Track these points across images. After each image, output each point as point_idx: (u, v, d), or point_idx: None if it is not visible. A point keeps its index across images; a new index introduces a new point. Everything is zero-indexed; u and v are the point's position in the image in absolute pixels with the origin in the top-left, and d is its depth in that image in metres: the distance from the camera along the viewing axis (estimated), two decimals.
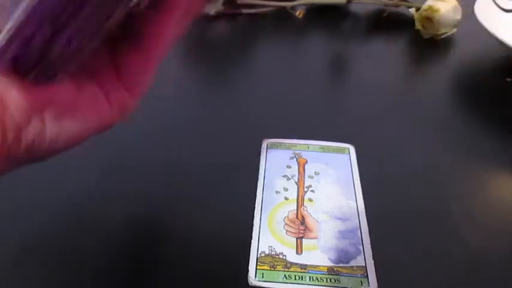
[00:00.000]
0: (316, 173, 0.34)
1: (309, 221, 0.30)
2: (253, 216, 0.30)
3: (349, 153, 0.36)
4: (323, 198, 0.32)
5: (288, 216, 0.31)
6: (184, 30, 0.22)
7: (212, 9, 0.55)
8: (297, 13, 0.55)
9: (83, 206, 0.31)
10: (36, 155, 0.19)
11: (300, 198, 0.32)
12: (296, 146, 0.36)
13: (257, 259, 0.28)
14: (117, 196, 0.31)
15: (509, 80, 0.46)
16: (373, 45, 0.53)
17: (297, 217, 0.30)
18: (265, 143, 0.36)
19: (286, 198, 0.32)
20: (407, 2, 0.57)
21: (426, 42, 0.53)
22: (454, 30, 0.52)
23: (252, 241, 0.29)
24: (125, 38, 0.22)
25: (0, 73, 0.18)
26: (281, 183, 0.33)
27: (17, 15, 0.16)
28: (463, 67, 0.49)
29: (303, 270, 0.27)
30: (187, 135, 0.37)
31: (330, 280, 0.27)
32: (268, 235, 0.29)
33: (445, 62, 0.51)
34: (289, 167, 0.34)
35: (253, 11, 0.57)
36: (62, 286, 0.26)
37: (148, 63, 0.22)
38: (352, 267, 0.27)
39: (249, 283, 0.27)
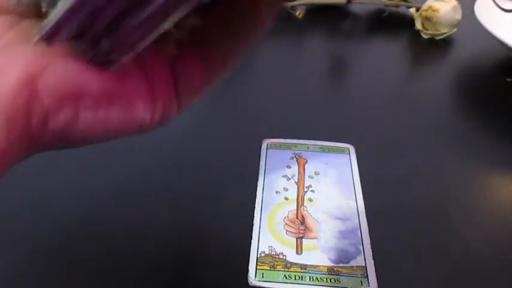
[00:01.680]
0: (316, 173, 0.34)
1: (309, 221, 0.30)
2: (253, 216, 0.30)
3: (349, 153, 0.36)
4: (323, 198, 0.32)
5: (288, 216, 0.31)
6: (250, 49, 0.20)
7: None
8: (297, 13, 0.55)
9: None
10: (67, 143, 0.18)
11: (300, 198, 0.32)
12: (296, 146, 0.36)
13: (257, 259, 0.28)
14: (119, 196, 0.31)
15: (509, 80, 0.46)
16: (373, 45, 0.53)
17: (297, 217, 0.30)
18: (265, 143, 0.36)
19: (286, 198, 0.32)
20: (407, 2, 0.57)
21: (426, 42, 0.53)
22: (454, 30, 0.52)
23: (252, 241, 0.29)
24: (193, 46, 0.20)
25: (50, 52, 0.16)
26: (281, 183, 0.33)
27: None
28: (463, 67, 0.49)
29: (303, 270, 0.27)
30: (187, 135, 0.37)
31: (330, 280, 0.27)
32: (268, 235, 0.29)
33: (445, 62, 0.51)
34: (289, 167, 0.34)
35: None
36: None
37: (211, 80, 0.21)
38: (352, 267, 0.27)
39: (249, 283, 0.27)
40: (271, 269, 0.27)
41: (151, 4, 0.15)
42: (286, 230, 0.30)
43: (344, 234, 0.29)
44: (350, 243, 0.29)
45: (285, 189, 0.32)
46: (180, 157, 0.35)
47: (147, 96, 0.20)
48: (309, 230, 0.30)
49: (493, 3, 0.49)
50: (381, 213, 0.31)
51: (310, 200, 0.32)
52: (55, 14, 0.16)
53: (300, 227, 0.30)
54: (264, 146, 0.36)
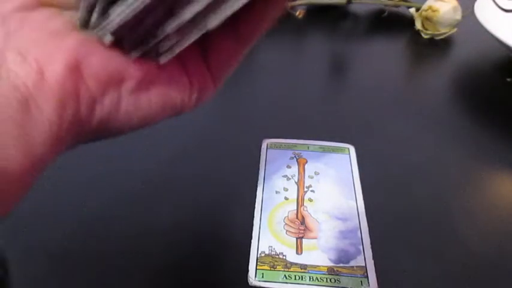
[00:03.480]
0: (316, 173, 0.34)
1: (309, 221, 0.30)
2: (253, 216, 0.30)
3: (349, 153, 0.36)
4: (323, 198, 0.32)
5: (288, 216, 0.31)
6: (278, 16, 0.21)
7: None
8: (297, 13, 0.55)
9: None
10: (109, 130, 0.18)
11: (300, 198, 0.32)
12: (296, 146, 0.36)
13: (257, 259, 0.28)
14: (117, 195, 0.32)
15: (509, 80, 0.46)
16: (373, 45, 0.53)
17: (297, 217, 0.31)
18: (265, 143, 0.36)
19: (286, 198, 0.32)
20: (407, 2, 0.57)
21: (426, 42, 0.53)
22: (454, 30, 0.52)
23: (252, 241, 0.29)
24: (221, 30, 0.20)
25: (93, 41, 0.17)
26: (281, 183, 0.33)
27: None
28: (463, 67, 0.49)
29: (303, 270, 0.27)
30: (187, 135, 0.37)
31: (330, 280, 0.27)
32: (268, 235, 0.29)
33: (445, 62, 0.51)
34: (289, 167, 0.34)
35: None
36: None
37: (240, 50, 0.21)
38: (352, 267, 0.27)
39: (249, 283, 0.27)
40: (271, 269, 0.27)
41: (196, 4, 0.16)
42: (286, 230, 0.30)
43: (344, 234, 0.29)
44: (350, 243, 0.29)
45: (285, 189, 0.32)
46: (180, 157, 0.35)
47: (183, 77, 0.20)
48: (309, 230, 0.30)
49: (493, 3, 0.49)
50: (380, 213, 0.31)
51: (310, 200, 0.32)
52: (119, 15, 0.16)
53: (300, 227, 0.30)
54: (264, 146, 0.36)
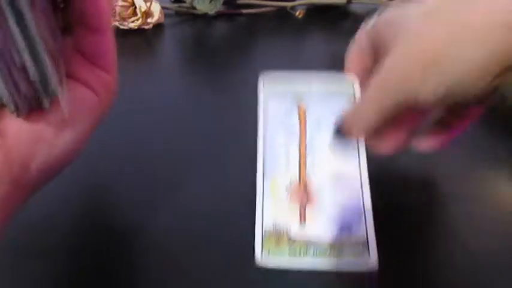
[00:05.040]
0: (318, 122, 0.32)
1: (311, 188, 0.30)
2: (255, 187, 0.30)
3: (353, 89, 0.32)
4: (326, 159, 0.31)
5: (290, 184, 0.30)
6: None
7: (212, 9, 0.55)
8: (297, 13, 0.55)
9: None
10: (53, 172, 0.22)
11: (302, 160, 0.31)
12: (296, 86, 0.33)
13: (262, 238, 0.28)
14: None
15: None
16: None
17: (299, 183, 0.30)
18: (261, 80, 0.33)
19: (287, 161, 0.31)
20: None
21: None
22: None
23: (256, 219, 0.29)
24: (74, 25, 0.22)
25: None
26: (282, 140, 0.31)
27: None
28: None
29: (306, 245, 0.28)
30: (186, 128, 0.37)
31: (332, 252, 0.28)
32: (272, 208, 0.29)
33: None
34: (288, 116, 0.32)
35: (253, 11, 0.57)
36: None
37: (105, 36, 0.23)
38: (354, 236, 0.28)
39: (256, 263, 0.27)
40: (276, 245, 0.28)
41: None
42: (289, 201, 0.29)
43: (346, 200, 0.29)
44: (350, 209, 0.29)
45: (286, 148, 0.31)
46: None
47: (86, 88, 0.23)
48: (311, 199, 0.30)
49: None
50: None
51: (312, 163, 0.31)
52: None
53: (303, 197, 0.30)
54: (261, 83, 0.33)
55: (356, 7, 0.59)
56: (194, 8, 0.56)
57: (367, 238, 0.28)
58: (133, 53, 0.51)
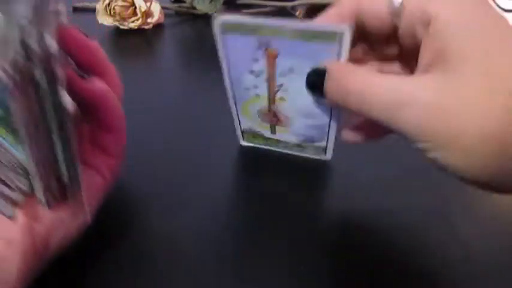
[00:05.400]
0: (290, 70, 0.27)
1: (281, 116, 0.31)
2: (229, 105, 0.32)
3: (341, 39, 0.24)
4: (296, 97, 0.28)
5: (260, 109, 0.32)
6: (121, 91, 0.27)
7: (212, 9, 0.55)
8: (297, 13, 0.55)
9: None
10: (64, 248, 0.25)
11: (271, 97, 0.29)
12: (262, 29, 0.25)
13: (242, 132, 0.34)
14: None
15: None
16: None
17: (268, 111, 0.31)
18: (217, 25, 0.26)
19: (257, 95, 0.30)
20: None
21: None
22: None
23: (234, 122, 0.33)
24: (90, 123, 0.26)
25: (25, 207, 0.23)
26: (249, 80, 0.29)
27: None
28: None
29: (277, 143, 0.34)
30: (185, 128, 0.37)
31: (297, 148, 0.34)
32: (246, 120, 0.33)
33: None
34: (255, 60, 0.27)
35: (253, 11, 0.57)
36: None
37: (118, 135, 0.27)
38: (315, 145, 0.33)
39: (240, 143, 0.35)
40: (253, 138, 0.35)
41: None
42: (261, 119, 0.32)
43: (314, 127, 0.31)
44: (317, 132, 0.31)
45: (255, 87, 0.29)
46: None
47: (96, 173, 0.26)
48: (280, 122, 0.32)
49: (493, 3, 0.49)
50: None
51: (282, 99, 0.29)
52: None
53: (273, 119, 0.32)
54: (216, 29, 0.27)
55: None
56: (194, 8, 0.56)
57: (327, 144, 0.32)
58: (133, 53, 0.51)
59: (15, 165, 0.22)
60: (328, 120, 0.30)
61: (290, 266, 0.28)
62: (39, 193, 0.23)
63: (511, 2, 0.49)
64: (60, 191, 0.23)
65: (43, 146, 0.21)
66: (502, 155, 0.18)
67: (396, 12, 0.21)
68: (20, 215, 0.22)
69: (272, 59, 0.27)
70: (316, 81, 0.25)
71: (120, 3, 0.52)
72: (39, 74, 0.20)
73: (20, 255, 0.22)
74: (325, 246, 0.29)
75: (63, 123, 0.21)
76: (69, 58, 0.24)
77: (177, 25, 0.56)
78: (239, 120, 0.33)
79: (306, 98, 0.28)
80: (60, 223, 0.24)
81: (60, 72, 0.20)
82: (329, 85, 0.23)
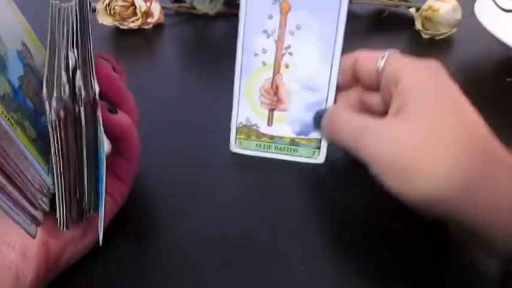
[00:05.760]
0: (298, 27, 0.31)
1: (282, 92, 0.33)
2: (233, 85, 0.33)
3: None
4: (300, 63, 0.32)
5: (263, 85, 0.33)
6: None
7: (212, 9, 0.55)
8: None
9: None
10: (72, 264, 0.27)
11: (277, 64, 0.32)
12: None
13: (237, 129, 0.34)
14: None
15: (509, 80, 0.46)
16: (373, 45, 0.53)
17: (271, 86, 0.33)
18: None
19: (264, 64, 0.32)
20: (407, 2, 0.57)
21: (426, 42, 0.53)
22: (454, 30, 0.52)
23: (233, 112, 0.34)
24: (111, 151, 0.28)
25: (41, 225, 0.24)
26: (260, 42, 0.32)
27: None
28: (463, 67, 0.49)
29: (270, 141, 0.34)
30: (185, 128, 0.37)
31: (290, 150, 0.34)
32: (246, 105, 0.33)
33: (445, 62, 0.50)
34: (270, 17, 0.31)
35: None
36: None
37: (133, 163, 0.29)
38: (310, 139, 0.34)
39: (231, 150, 0.35)
40: (247, 138, 0.34)
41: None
42: (261, 102, 0.33)
43: (311, 107, 0.33)
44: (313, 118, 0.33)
45: (264, 51, 0.32)
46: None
47: (109, 197, 0.28)
48: (281, 102, 0.33)
49: (493, 3, 0.49)
50: None
51: (286, 66, 0.32)
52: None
53: (274, 99, 0.33)
54: None
55: (356, 7, 0.59)
56: (194, 8, 0.56)
57: (320, 141, 0.33)
58: (133, 53, 0.51)
59: (43, 186, 0.23)
60: (326, 92, 0.32)
61: (291, 266, 0.28)
62: (61, 215, 0.24)
63: (511, 2, 0.49)
64: (78, 214, 0.25)
65: (72, 174, 0.23)
66: (435, 188, 0.23)
67: (380, 72, 0.28)
68: (38, 232, 0.23)
69: (285, 13, 0.31)
70: (317, 121, 0.32)
71: (120, 3, 0.52)
72: (80, 113, 0.22)
73: (33, 269, 0.23)
74: (325, 246, 0.29)
75: (93, 157, 0.24)
76: None
77: (177, 25, 0.56)
78: (238, 110, 0.33)
79: (308, 64, 0.32)
80: (71, 241, 0.26)
81: (99, 112, 0.23)
82: (322, 122, 0.31)
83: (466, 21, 0.51)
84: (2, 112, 0.20)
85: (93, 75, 0.23)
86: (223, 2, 0.56)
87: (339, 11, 0.31)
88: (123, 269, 0.27)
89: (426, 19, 0.52)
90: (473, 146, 0.23)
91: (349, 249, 0.29)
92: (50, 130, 0.21)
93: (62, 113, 0.21)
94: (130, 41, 0.53)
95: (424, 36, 0.53)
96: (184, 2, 0.58)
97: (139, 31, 0.53)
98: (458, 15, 0.51)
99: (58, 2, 0.27)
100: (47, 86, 0.21)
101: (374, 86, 0.29)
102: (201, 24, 0.56)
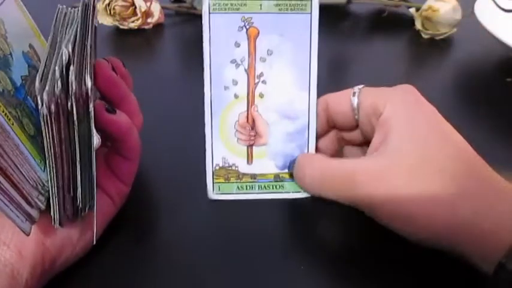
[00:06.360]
0: (269, 52, 0.29)
1: (259, 124, 0.30)
2: (204, 123, 0.29)
3: (311, 10, 0.29)
4: (275, 91, 0.29)
5: (238, 120, 0.29)
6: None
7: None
8: None
9: None
10: (68, 266, 0.26)
11: (250, 95, 0.29)
12: (246, 5, 0.28)
13: (213, 173, 0.30)
14: None
15: (509, 80, 0.46)
16: (373, 45, 0.53)
17: (247, 120, 0.30)
18: (206, 1, 0.28)
19: (236, 96, 0.29)
20: (407, 2, 0.57)
21: (426, 42, 0.53)
22: (454, 30, 0.52)
23: (207, 154, 0.29)
24: (108, 147, 0.28)
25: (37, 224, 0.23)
26: (230, 73, 0.29)
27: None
28: (463, 67, 0.49)
29: (253, 180, 0.30)
30: (185, 127, 0.37)
31: (275, 187, 0.30)
32: (221, 145, 0.30)
33: (445, 62, 0.51)
34: (238, 45, 0.29)
35: None
36: None
37: (134, 163, 0.29)
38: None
39: (209, 197, 0.30)
40: (226, 181, 0.30)
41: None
42: (238, 138, 0.30)
43: (292, 137, 0.30)
44: (297, 145, 0.30)
45: (235, 83, 0.29)
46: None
47: (106, 195, 0.28)
48: (259, 136, 0.30)
49: (493, 3, 0.49)
50: None
51: (261, 95, 0.29)
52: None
53: (251, 133, 0.30)
54: (205, 8, 0.28)
55: (356, 7, 0.59)
56: (194, 8, 0.56)
57: (308, 148, 0.30)
58: (133, 53, 0.51)
59: (37, 183, 0.23)
60: (307, 119, 0.30)
61: (290, 266, 0.28)
62: (55, 211, 0.24)
63: (511, 2, 0.49)
64: (73, 212, 0.25)
65: (65, 169, 0.23)
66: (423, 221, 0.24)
67: (355, 109, 0.28)
68: (33, 230, 0.23)
69: (253, 39, 0.28)
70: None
71: (120, 3, 0.52)
72: (73, 107, 0.22)
73: (29, 268, 0.23)
74: (323, 246, 0.29)
75: (87, 153, 0.23)
76: (95, 89, 0.26)
77: (177, 25, 0.56)
78: (212, 152, 0.29)
79: (284, 90, 0.29)
80: (68, 241, 0.26)
81: (92, 108, 0.23)
82: (295, 172, 0.29)
83: (466, 21, 0.51)
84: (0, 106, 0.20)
85: (87, 72, 0.23)
86: None
87: (311, 31, 0.29)
88: (121, 269, 0.27)
89: (426, 19, 0.52)
90: (465, 173, 0.24)
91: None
92: (42, 124, 0.21)
93: (53, 107, 0.21)
94: (131, 41, 0.53)
95: (424, 36, 0.53)
96: (184, 2, 0.58)
97: (139, 31, 0.53)
98: (458, 15, 0.51)
99: (65, 6, 0.28)
100: (40, 81, 0.22)
101: (350, 125, 0.29)
102: (201, 24, 0.56)
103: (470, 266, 0.24)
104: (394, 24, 0.57)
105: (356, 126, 0.29)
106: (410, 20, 0.55)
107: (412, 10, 0.55)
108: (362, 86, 0.29)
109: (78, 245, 0.26)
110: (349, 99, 0.29)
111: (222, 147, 0.30)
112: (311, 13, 0.29)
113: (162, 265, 0.27)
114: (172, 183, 0.33)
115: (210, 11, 0.28)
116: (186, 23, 0.57)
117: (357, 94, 0.29)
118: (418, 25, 0.53)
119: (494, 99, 0.43)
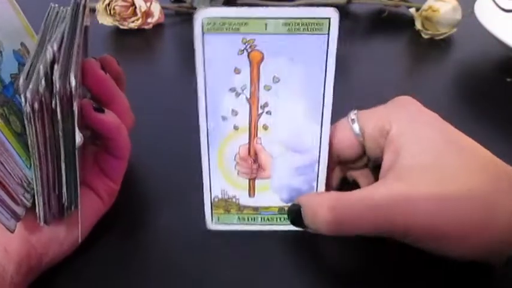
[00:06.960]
0: (276, 80, 0.25)
1: (263, 157, 0.26)
2: (200, 156, 0.27)
3: (328, 30, 0.23)
4: (281, 122, 0.26)
5: (239, 153, 0.26)
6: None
7: None
8: None
9: None
10: (54, 264, 0.26)
11: (252, 127, 0.26)
12: (247, 24, 0.23)
13: (211, 204, 0.28)
14: None
15: (509, 80, 0.46)
16: (373, 45, 0.53)
17: (249, 153, 0.26)
18: (199, 19, 0.24)
19: (235, 128, 0.26)
20: (407, 2, 0.57)
21: (426, 42, 0.53)
22: (454, 30, 0.52)
23: (204, 186, 0.27)
24: (98, 145, 0.29)
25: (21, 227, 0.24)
26: (228, 102, 0.25)
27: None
28: (463, 67, 0.49)
29: (255, 212, 0.28)
30: (186, 128, 0.37)
31: (280, 219, 0.28)
32: (220, 177, 0.27)
33: (445, 62, 0.51)
34: (237, 71, 0.24)
35: None
36: None
37: (123, 161, 0.29)
38: None
39: (207, 227, 0.28)
40: (226, 212, 0.28)
41: None
42: (238, 171, 0.27)
43: (300, 171, 0.27)
44: (304, 180, 0.27)
45: (234, 113, 0.25)
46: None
47: (94, 194, 0.28)
48: (262, 169, 0.27)
49: (493, 3, 0.49)
50: None
51: (265, 127, 0.26)
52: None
53: (253, 166, 0.27)
54: (197, 28, 0.24)
55: (356, 7, 0.59)
56: (194, 8, 0.56)
57: None
58: (133, 53, 0.51)
59: (23, 181, 0.23)
60: (317, 153, 0.26)
61: (287, 265, 0.28)
62: (40, 209, 0.24)
63: (511, 2, 0.49)
64: (59, 210, 0.25)
65: (50, 167, 0.23)
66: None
67: (359, 136, 0.27)
68: (19, 227, 0.23)
69: (256, 64, 0.24)
70: (295, 219, 0.26)
71: (120, 3, 0.52)
72: (57, 106, 0.22)
73: (14, 265, 0.23)
74: (321, 247, 0.29)
75: (72, 151, 0.23)
76: (85, 88, 0.27)
77: (177, 25, 0.56)
78: (210, 184, 0.27)
79: (293, 122, 0.26)
80: (55, 239, 0.26)
81: (75, 107, 0.22)
82: (306, 219, 0.25)
83: (466, 21, 0.51)
84: None
85: (72, 71, 0.22)
86: (223, 2, 0.56)
87: (327, 55, 0.24)
88: (110, 267, 0.27)
89: (426, 19, 0.52)
90: (485, 177, 0.24)
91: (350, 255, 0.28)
92: (25, 122, 0.21)
93: (36, 105, 0.21)
94: (130, 41, 0.53)
95: (424, 36, 0.53)
96: (184, 2, 0.58)
97: (139, 31, 0.53)
98: (458, 15, 0.51)
99: (57, 5, 0.28)
100: (26, 79, 0.21)
101: (357, 154, 0.28)
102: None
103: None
104: (394, 24, 0.57)
105: (363, 153, 0.28)
106: (410, 20, 0.55)
107: (412, 10, 0.55)
108: (355, 110, 0.28)
109: (65, 242, 0.26)
110: (350, 130, 0.27)
111: (221, 179, 0.27)
112: (328, 34, 0.24)
113: (151, 263, 0.27)
114: (172, 183, 0.33)
115: (204, 31, 0.24)
116: (186, 23, 0.57)
117: (356, 121, 0.28)
118: (418, 25, 0.53)
119: (494, 99, 0.43)
